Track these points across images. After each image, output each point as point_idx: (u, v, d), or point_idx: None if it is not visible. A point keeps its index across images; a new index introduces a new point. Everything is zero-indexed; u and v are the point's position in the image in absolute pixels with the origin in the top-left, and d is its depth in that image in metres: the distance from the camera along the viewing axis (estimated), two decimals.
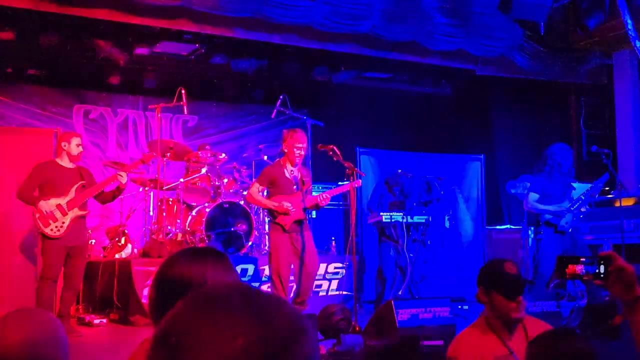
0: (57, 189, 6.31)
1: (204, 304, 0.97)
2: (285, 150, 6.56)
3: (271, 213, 6.57)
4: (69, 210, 6.29)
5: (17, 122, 9.44)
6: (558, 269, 1.95)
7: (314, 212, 8.32)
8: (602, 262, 1.89)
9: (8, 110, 9.54)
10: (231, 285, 1.03)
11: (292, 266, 6.54)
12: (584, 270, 1.92)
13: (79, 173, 6.49)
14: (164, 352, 0.94)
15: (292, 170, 6.58)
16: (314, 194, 6.89)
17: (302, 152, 6.52)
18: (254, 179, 8.89)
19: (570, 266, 1.93)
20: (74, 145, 6.44)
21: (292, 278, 6.67)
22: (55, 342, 1.87)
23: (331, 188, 7.31)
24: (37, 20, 8.39)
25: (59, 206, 6.26)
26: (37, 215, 6.22)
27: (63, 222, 6.24)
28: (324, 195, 6.56)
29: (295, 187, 6.55)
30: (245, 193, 8.75)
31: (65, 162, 6.44)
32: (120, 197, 8.37)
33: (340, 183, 8.41)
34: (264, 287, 7.82)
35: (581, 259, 1.92)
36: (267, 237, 8.82)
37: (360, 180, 7.02)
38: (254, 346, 0.91)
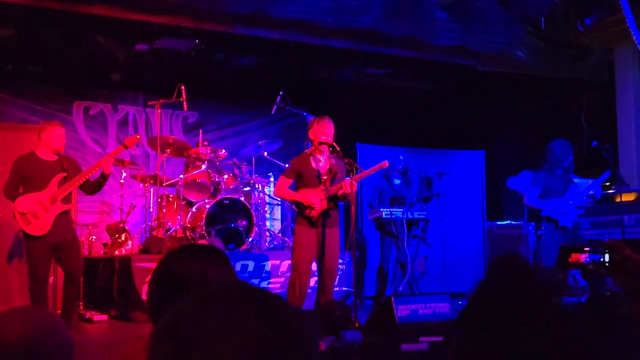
0: (37, 184, 6.03)
1: (211, 299, 1.00)
2: (312, 139, 6.34)
3: (298, 206, 6.34)
4: (50, 206, 6.00)
5: (16, 118, 9.44)
6: (561, 258, 1.97)
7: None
8: (607, 251, 1.89)
9: (8, 107, 9.54)
10: (235, 283, 1.06)
11: (314, 264, 6.35)
12: (588, 259, 1.93)
13: (60, 165, 6.17)
14: (170, 344, 0.96)
15: (318, 161, 6.37)
16: None
17: (330, 139, 6.27)
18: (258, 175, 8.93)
19: (573, 255, 1.94)
20: (55, 136, 6.14)
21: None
22: (55, 340, 1.87)
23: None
24: (37, 17, 8.39)
25: (39, 202, 5.97)
26: (17, 214, 5.95)
27: (45, 219, 5.97)
28: (349, 181, 6.18)
29: (324, 177, 6.32)
30: (246, 189, 8.79)
31: (45, 154, 6.15)
32: (121, 194, 8.42)
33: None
34: (265, 284, 7.82)
35: (585, 248, 1.92)
36: (268, 232, 8.83)
37: (387, 161, 6.92)
38: (259, 340, 0.94)
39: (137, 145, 7.51)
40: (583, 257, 1.94)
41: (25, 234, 6.01)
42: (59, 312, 6.60)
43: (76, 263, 6.24)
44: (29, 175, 6.05)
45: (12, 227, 7.61)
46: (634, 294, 1.89)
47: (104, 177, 6.29)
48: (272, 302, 1.01)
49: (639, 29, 8.47)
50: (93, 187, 6.38)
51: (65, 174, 6.13)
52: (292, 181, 6.43)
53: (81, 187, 6.29)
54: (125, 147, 6.56)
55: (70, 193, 6.19)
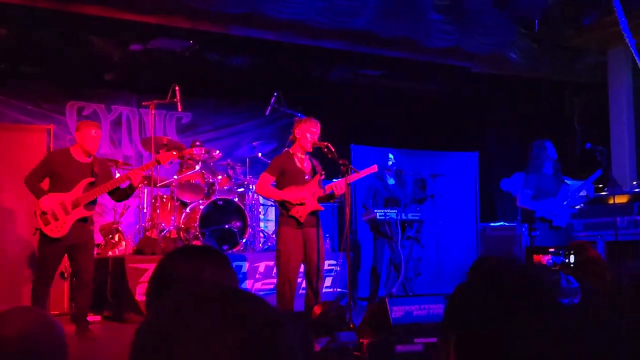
0: (64, 184, 5.91)
1: (204, 300, 1.00)
2: (297, 137, 6.25)
3: (283, 206, 6.18)
4: (72, 210, 5.87)
5: (9, 118, 9.40)
6: (527, 260, 1.98)
7: None
8: (572, 252, 1.91)
9: (1, 107, 9.50)
10: (227, 284, 1.06)
11: (302, 265, 6.25)
12: (550, 261, 1.95)
13: (90, 168, 6.03)
14: (160, 343, 0.96)
15: (303, 159, 6.31)
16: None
17: (315, 139, 6.21)
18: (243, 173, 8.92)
19: (535, 256, 1.95)
20: (88, 137, 5.99)
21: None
22: (52, 340, 1.86)
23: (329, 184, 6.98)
24: (31, 17, 8.37)
25: (61, 204, 5.85)
26: (38, 212, 5.84)
27: (64, 222, 5.84)
28: (338, 183, 6.16)
29: (307, 176, 6.26)
30: (239, 190, 8.77)
31: (78, 154, 6.02)
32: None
33: (334, 179, 8.40)
34: (258, 285, 7.82)
35: (549, 250, 1.94)
36: (262, 233, 8.81)
37: (377, 166, 6.89)
38: (254, 341, 0.95)
39: (172, 163, 7.38)
40: (545, 259, 1.95)
41: (42, 234, 5.89)
42: (55, 312, 6.57)
43: (87, 265, 6.09)
44: (57, 173, 5.94)
45: (4, 224, 7.60)
46: (597, 294, 1.90)
47: (131, 189, 6.20)
48: (263, 303, 1.02)
49: (632, 32, 8.50)
50: (122, 195, 6.31)
51: (92, 179, 6.00)
52: (274, 179, 6.32)
53: (110, 194, 6.20)
54: (159, 163, 6.46)
55: (95, 200, 6.08)
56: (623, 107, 10.15)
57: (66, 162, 5.99)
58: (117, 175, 8.41)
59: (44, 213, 5.83)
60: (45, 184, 6.02)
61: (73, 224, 5.89)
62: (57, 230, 5.85)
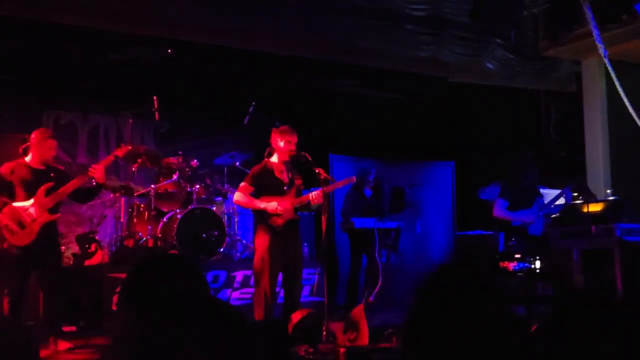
0: (25, 193, 5.93)
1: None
2: (275, 147, 6.33)
3: (261, 215, 6.25)
4: (36, 215, 5.87)
5: None
6: (494, 267, 2.02)
7: None
8: (537, 258, 1.95)
9: None
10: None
11: (280, 274, 6.26)
12: (516, 267, 1.99)
13: (49, 174, 6.07)
14: None
15: (281, 170, 6.36)
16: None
17: (293, 147, 6.28)
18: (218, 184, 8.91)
19: (501, 263, 2.00)
20: (45, 148, 6.07)
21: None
22: (26, 350, 1.87)
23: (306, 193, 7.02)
24: (7, 25, 8.32)
25: (26, 212, 5.85)
26: (1, 225, 5.82)
27: (32, 229, 5.84)
28: (315, 193, 6.22)
29: (285, 187, 6.31)
30: (217, 199, 8.76)
31: (35, 162, 6.07)
32: (91, 204, 8.35)
33: (312, 189, 8.42)
34: (236, 294, 7.80)
35: (515, 256, 1.99)
36: (239, 242, 8.81)
37: (355, 177, 6.93)
38: None
39: (128, 155, 7.43)
40: (511, 265, 1.99)
41: (9, 245, 5.85)
42: (34, 323, 6.51)
43: (54, 275, 6.09)
44: (16, 183, 5.94)
45: None
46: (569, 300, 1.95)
47: (99, 187, 6.31)
48: None
49: (605, 42, 8.63)
50: (87, 195, 6.37)
51: (52, 183, 6.01)
52: (253, 189, 6.35)
53: (73, 197, 6.21)
54: (116, 157, 6.57)
55: (58, 203, 6.08)
56: (597, 116, 10.25)
57: (22, 172, 6.02)
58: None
59: (7, 226, 5.82)
60: (4, 196, 5.99)
61: (40, 229, 5.89)
62: (26, 237, 5.85)
